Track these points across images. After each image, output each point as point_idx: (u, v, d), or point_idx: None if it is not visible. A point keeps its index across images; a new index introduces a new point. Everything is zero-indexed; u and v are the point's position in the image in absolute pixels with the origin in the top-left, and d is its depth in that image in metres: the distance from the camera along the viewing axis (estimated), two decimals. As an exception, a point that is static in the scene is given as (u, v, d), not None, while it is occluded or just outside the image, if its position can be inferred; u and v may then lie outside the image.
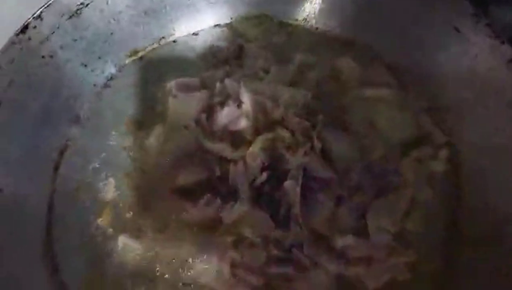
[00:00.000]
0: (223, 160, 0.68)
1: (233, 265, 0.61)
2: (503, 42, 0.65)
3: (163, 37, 0.84)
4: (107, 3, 0.77)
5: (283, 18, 0.86)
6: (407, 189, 0.66)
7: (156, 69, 0.81)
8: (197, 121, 0.71)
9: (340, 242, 0.62)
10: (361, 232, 0.63)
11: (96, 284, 0.63)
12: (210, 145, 0.69)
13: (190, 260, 0.62)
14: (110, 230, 0.66)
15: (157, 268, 0.63)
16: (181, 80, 0.76)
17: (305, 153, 0.64)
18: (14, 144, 0.66)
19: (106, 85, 0.79)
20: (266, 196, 0.64)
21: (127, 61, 0.81)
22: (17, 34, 0.66)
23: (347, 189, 0.64)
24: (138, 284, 0.62)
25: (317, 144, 0.66)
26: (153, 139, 0.72)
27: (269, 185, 0.64)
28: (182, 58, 0.83)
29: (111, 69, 0.80)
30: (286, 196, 0.63)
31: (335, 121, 0.71)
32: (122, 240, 0.65)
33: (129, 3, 0.79)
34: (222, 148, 0.68)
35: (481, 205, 0.65)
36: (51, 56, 0.71)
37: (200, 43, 0.84)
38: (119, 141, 0.73)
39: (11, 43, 0.66)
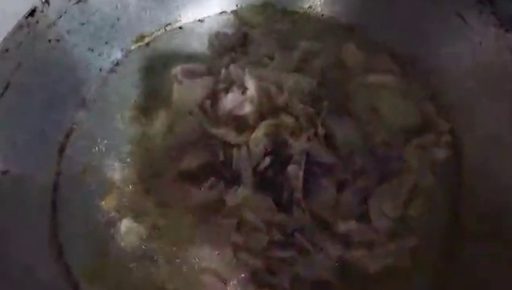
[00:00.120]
0: (227, 145, 0.68)
1: (236, 249, 0.61)
2: (507, 30, 0.64)
3: (169, 24, 0.84)
4: (114, -12, 0.77)
5: (289, 6, 0.86)
6: (410, 175, 0.66)
7: (161, 55, 0.81)
8: (202, 107, 0.72)
9: (342, 227, 0.62)
10: (363, 217, 0.63)
11: (100, 267, 0.64)
12: (214, 130, 0.69)
13: (193, 243, 0.63)
14: (114, 213, 0.67)
15: (160, 251, 0.63)
16: (186, 66, 0.77)
17: (308, 139, 0.65)
18: (21, 126, 0.67)
19: (112, 70, 0.80)
20: (269, 181, 0.64)
21: (133, 47, 0.82)
22: (25, 18, 0.67)
23: (351, 173, 0.65)
24: (141, 267, 0.63)
25: (321, 130, 0.66)
26: (158, 124, 0.73)
27: (272, 170, 0.65)
28: (188, 44, 0.83)
29: (118, 54, 0.80)
30: (289, 180, 0.63)
31: (339, 108, 0.71)
32: (126, 223, 0.65)
33: (136, -11, 0.80)
34: (226, 133, 0.68)
35: (482, 193, 0.65)
36: (58, 40, 0.71)
37: (206, 30, 0.84)
38: (124, 125, 0.74)
39: (19, 26, 0.66)
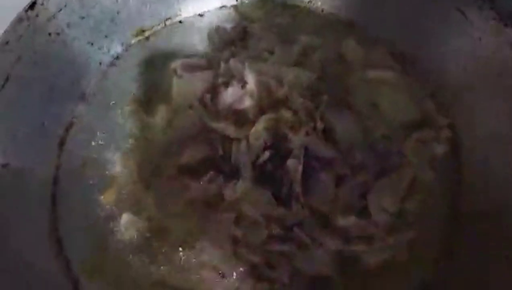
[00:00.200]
0: (227, 139, 0.68)
1: (235, 242, 0.61)
2: (506, 25, 0.64)
3: (169, 18, 0.84)
4: (114, -19, 0.77)
5: (289, 0, 0.86)
6: (409, 170, 0.66)
7: (161, 49, 0.81)
8: (202, 101, 0.72)
9: (342, 221, 0.62)
10: (363, 211, 0.63)
11: (99, 261, 0.64)
12: (214, 124, 0.69)
13: (192, 237, 0.63)
14: (114, 207, 0.67)
15: (159, 245, 0.63)
16: (186, 60, 0.77)
17: (307, 133, 0.65)
18: (21, 119, 0.67)
19: (112, 64, 0.80)
20: (268, 175, 0.64)
21: (133, 41, 0.82)
22: (25, 11, 0.67)
23: (350, 167, 0.65)
24: (140, 261, 0.63)
25: (320, 124, 0.66)
26: (157, 118, 0.73)
27: (271, 164, 0.65)
28: (188, 38, 0.83)
29: (117, 48, 0.80)
30: (288, 174, 0.63)
31: (339, 102, 0.71)
32: (125, 217, 0.65)
33: (135, -18, 0.80)
34: (226, 127, 0.68)
35: (481, 190, 0.65)
36: (58, 34, 0.71)
37: (206, 24, 0.84)
38: (124, 119, 0.74)
39: (19, 20, 0.66)
